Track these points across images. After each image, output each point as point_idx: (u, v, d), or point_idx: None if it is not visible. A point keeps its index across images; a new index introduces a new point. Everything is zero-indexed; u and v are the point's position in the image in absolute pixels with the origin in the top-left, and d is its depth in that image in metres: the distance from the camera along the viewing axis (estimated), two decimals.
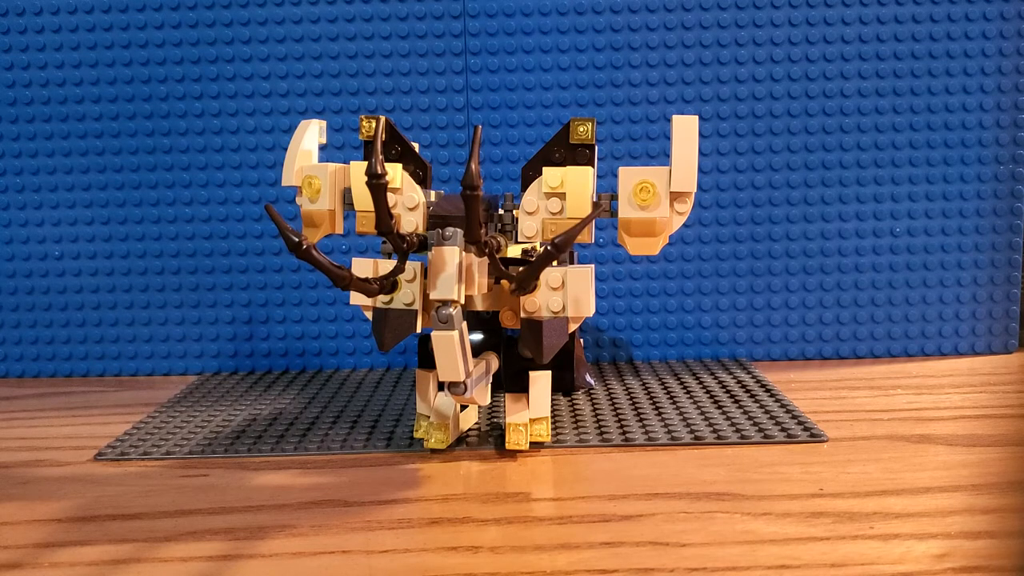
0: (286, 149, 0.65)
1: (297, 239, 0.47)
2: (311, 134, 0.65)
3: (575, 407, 0.73)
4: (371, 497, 0.56)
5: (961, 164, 0.85)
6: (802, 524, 0.50)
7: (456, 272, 0.54)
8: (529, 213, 0.59)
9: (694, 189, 0.57)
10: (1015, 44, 0.84)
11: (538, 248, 0.63)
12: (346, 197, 0.62)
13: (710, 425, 0.67)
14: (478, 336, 0.67)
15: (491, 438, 0.67)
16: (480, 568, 0.46)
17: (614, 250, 0.87)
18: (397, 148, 0.62)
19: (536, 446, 0.64)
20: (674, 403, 0.73)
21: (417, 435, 0.65)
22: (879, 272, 0.87)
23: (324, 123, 0.67)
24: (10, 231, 0.88)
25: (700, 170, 0.84)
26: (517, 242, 0.62)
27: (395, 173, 0.59)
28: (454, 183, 0.86)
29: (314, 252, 0.48)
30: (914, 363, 0.86)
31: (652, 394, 0.76)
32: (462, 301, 0.55)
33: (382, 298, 0.57)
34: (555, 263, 0.57)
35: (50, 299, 0.88)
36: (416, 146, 0.64)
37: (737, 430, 0.66)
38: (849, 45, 0.84)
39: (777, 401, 0.73)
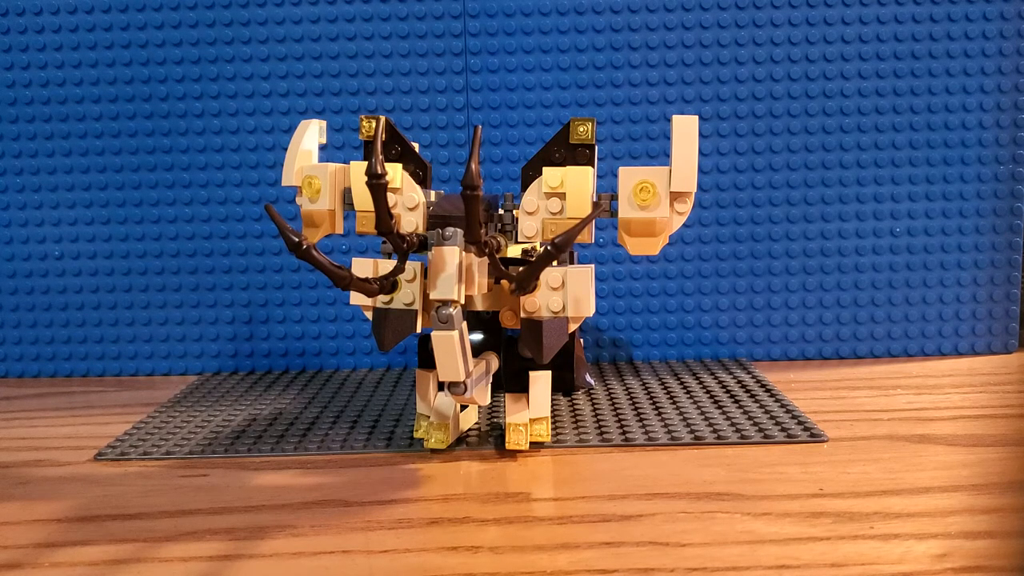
0: (286, 149, 0.65)
1: (297, 239, 0.47)
2: (311, 134, 0.65)
3: (575, 407, 0.73)
4: (371, 497, 0.56)
5: (961, 164, 0.85)
6: (802, 524, 0.50)
7: (456, 272, 0.54)
8: (529, 213, 0.59)
9: (694, 189, 0.57)
10: (1015, 44, 0.84)
11: (538, 248, 0.63)
12: (346, 197, 0.62)
13: (710, 425, 0.67)
14: (478, 336, 0.67)
15: (491, 438, 0.67)
16: (480, 568, 0.46)
17: (614, 250, 0.87)
18: (397, 148, 0.62)
19: (536, 446, 0.64)
20: (674, 403, 0.73)
21: (417, 435, 0.65)
22: (879, 272, 0.87)
23: (324, 123, 0.67)
24: (10, 231, 0.88)
25: (700, 170, 0.84)
26: (517, 242, 0.62)
27: (395, 173, 0.59)
28: (454, 183, 0.86)
29: (314, 252, 0.48)
30: (914, 363, 0.86)
31: (652, 394, 0.76)
32: (462, 301, 0.55)
33: (382, 298, 0.57)
34: (555, 263, 0.57)
35: (50, 299, 0.88)
36: (416, 146, 0.64)
37: (737, 430, 0.66)
38: (849, 45, 0.84)
39: (777, 401, 0.73)
